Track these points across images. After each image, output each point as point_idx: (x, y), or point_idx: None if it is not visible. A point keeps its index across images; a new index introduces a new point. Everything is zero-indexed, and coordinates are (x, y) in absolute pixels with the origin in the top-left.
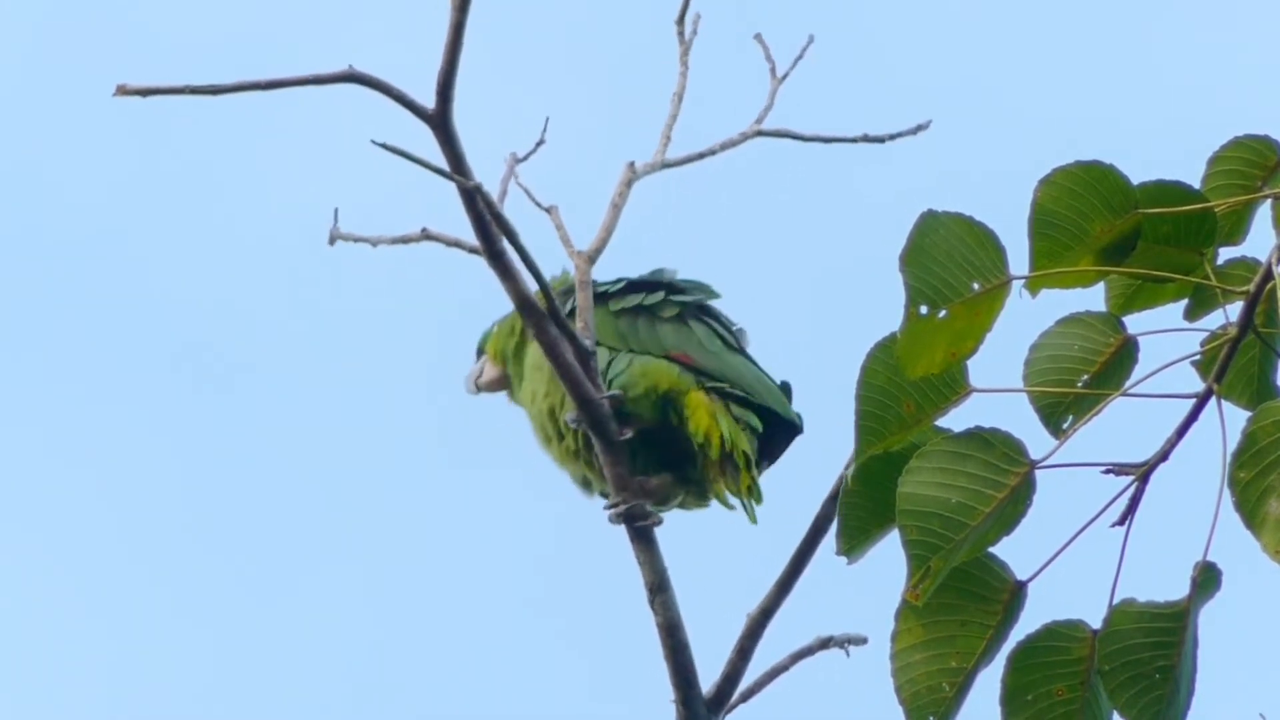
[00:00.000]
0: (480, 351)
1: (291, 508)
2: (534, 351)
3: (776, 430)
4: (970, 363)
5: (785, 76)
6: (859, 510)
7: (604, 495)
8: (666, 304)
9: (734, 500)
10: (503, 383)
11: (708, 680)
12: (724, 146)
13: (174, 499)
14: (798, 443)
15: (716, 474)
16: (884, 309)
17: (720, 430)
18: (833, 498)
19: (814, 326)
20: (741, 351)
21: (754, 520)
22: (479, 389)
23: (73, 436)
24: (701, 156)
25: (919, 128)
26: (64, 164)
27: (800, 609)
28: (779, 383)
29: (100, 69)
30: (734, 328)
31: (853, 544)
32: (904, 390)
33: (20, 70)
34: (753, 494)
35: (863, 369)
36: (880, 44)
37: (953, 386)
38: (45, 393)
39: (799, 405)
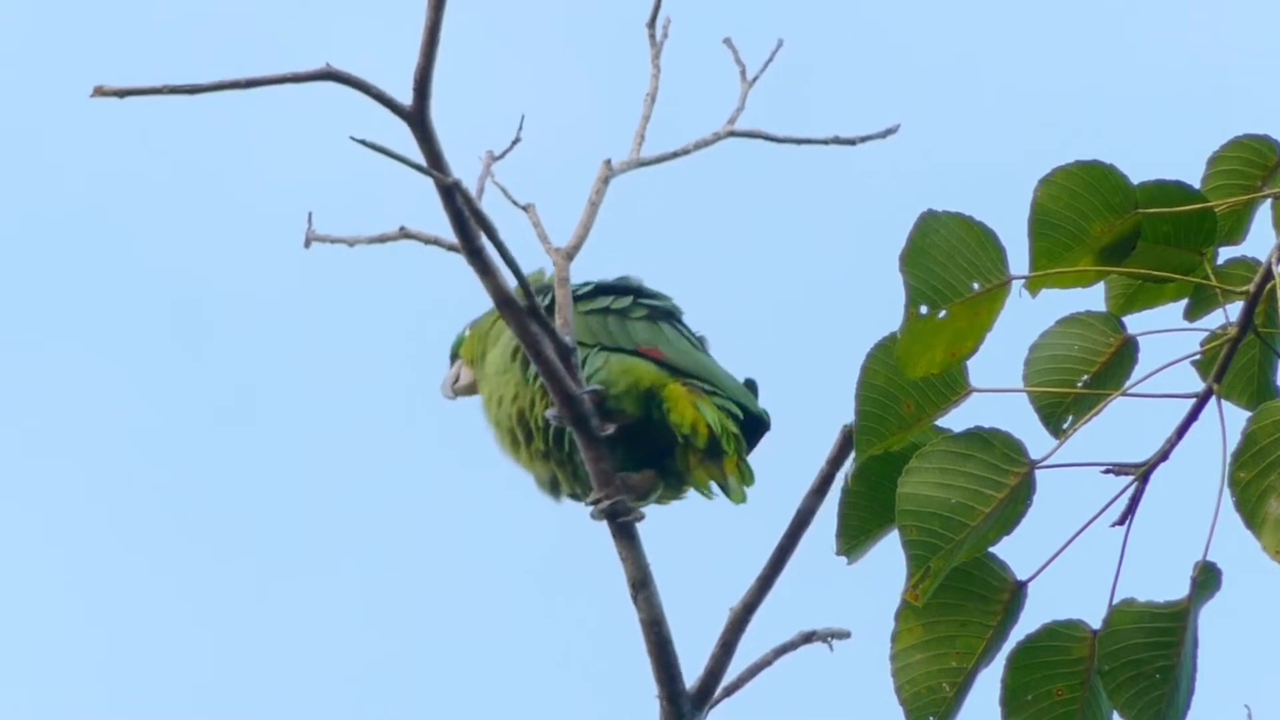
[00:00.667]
0: (454, 356)
1: (275, 506)
2: (496, 356)
3: (745, 427)
4: (970, 363)
5: (756, 79)
6: (859, 510)
7: (573, 496)
8: (636, 306)
9: (715, 488)
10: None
11: (691, 675)
12: (698, 146)
13: (160, 498)
14: (774, 438)
15: (697, 462)
16: (860, 304)
17: (705, 419)
18: (814, 492)
19: (786, 322)
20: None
21: (743, 500)
22: (456, 394)
23: (60, 436)
24: (676, 156)
25: (888, 131)
26: (44, 155)
27: (783, 604)
28: (744, 380)
29: (83, 64)
30: (696, 335)
31: (852, 544)
32: (904, 390)
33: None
34: (744, 476)
35: (863, 369)
36: (864, 46)
37: (953, 386)
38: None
39: (771, 401)
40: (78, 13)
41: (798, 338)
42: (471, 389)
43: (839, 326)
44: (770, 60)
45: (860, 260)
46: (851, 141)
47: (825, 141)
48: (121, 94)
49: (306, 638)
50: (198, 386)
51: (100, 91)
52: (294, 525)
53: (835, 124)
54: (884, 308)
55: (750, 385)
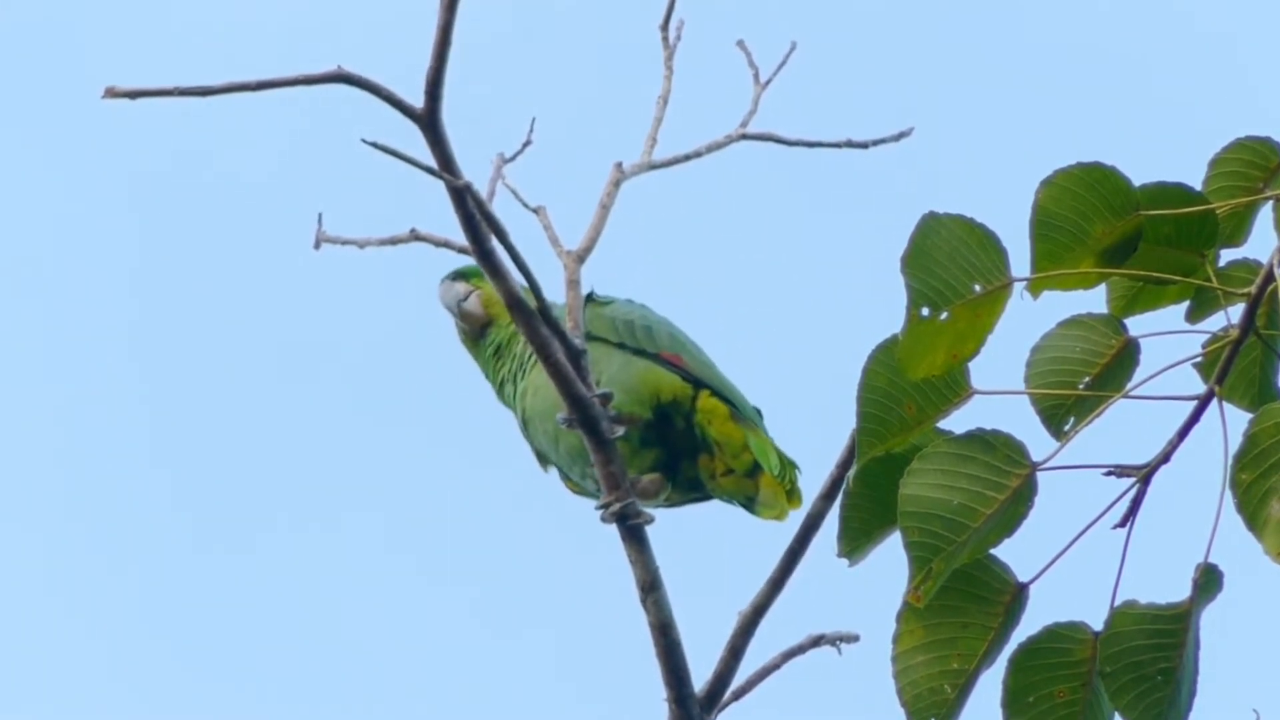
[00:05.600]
0: (463, 277)
1: (279, 510)
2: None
3: None
4: (972, 364)
5: (768, 82)
6: (860, 512)
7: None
8: (654, 314)
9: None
10: (480, 322)
11: (700, 679)
12: (709, 149)
13: (162, 496)
14: (781, 441)
15: (723, 473)
16: (871, 306)
17: (755, 450)
18: (824, 496)
19: (798, 325)
20: None
21: (780, 518)
22: (462, 313)
23: (66, 435)
24: (688, 158)
25: (901, 135)
26: (52, 156)
27: (792, 607)
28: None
29: (87, 67)
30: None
31: (854, 546)
32: (905, 392)
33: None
34: (794, 498)
35: (864, 371)
36: (878, 50)
37: (954, 388)
38: None
39: (780, 404)
40: (86, 13)
41: (810, 341)
42: (474, 319)
43: (852, 329)
44: (783, 63)
45: (872, 263)
46: (864, 145)
47: (838, 145)
48: (133, 95)
49: (314, 639)
50: (204, 389)
51: (111, 93)
52: (300, 524)
53: (848, 127)
54: (891, 310)
55: (757, 413)
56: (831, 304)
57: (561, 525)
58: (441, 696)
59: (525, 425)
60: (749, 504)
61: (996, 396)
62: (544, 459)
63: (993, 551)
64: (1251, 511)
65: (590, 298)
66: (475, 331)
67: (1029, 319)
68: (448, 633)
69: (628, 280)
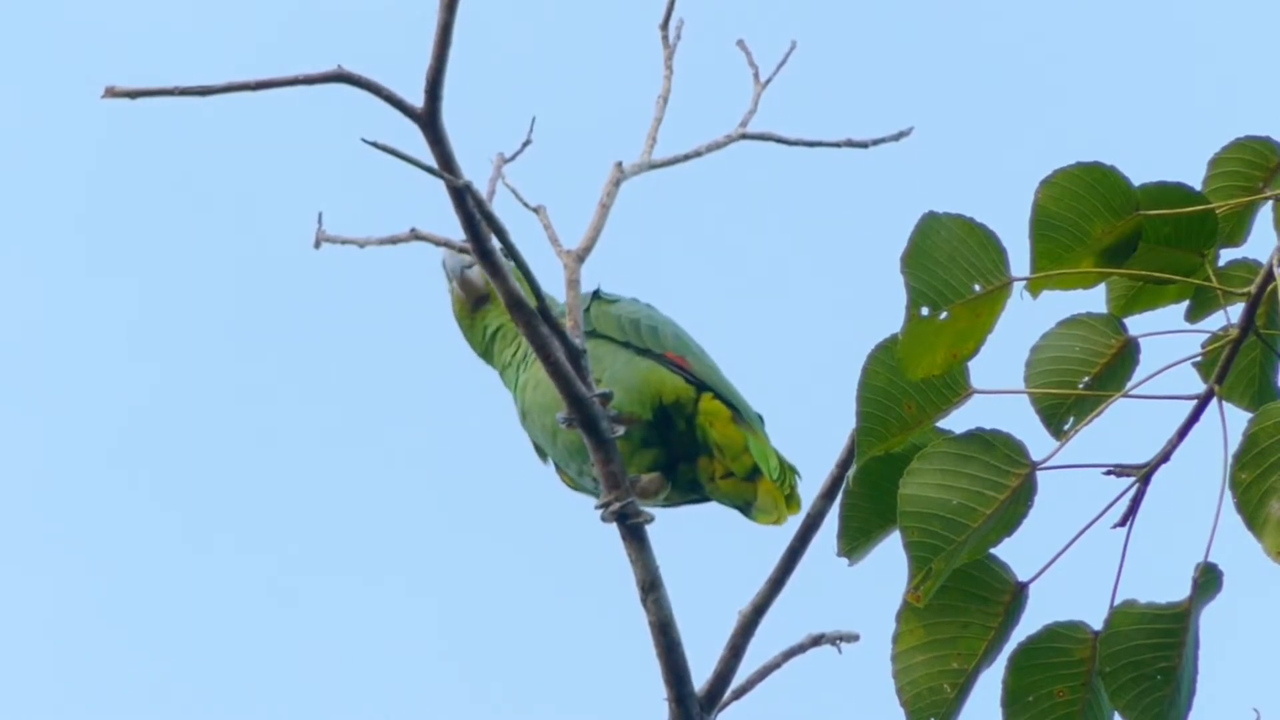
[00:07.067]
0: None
1: (283, 512)
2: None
3: None
4: (971, 364)
5: (769, 81)
6: (860, 511)
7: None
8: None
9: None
10: (478, 293)
11: (700, 678)
12: (709, 148)
13: (166, 494)
14: (781, 440)
15: (722, 475)
16: (871, 306)
17: (754, 452)
18: (824, 495)
19: (797, 324)
20: None
21: (778, 522)
22: (462, 279)
23: (78, 431)
24: (687, 158)
25: (901, 134)
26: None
27: (792, 606)
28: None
29: (84, 68)
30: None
31: (854, 545)
32: (905, 392)
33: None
34: (792, 503)
35: (864, 370)
36: (878, 49)
37: (954, 388)
38: None
39: (780, 404)
40: (87, 13)
41: (810, 340)
42: (471, 291)
43: (852, 329)
44: (783, 63)
45: (872, 263)
46: (864, 144)
47: (838, 144)
48: (133, 95)
49: (315, 636)
50: (202, 388)
51: (111, 92)
52: (303, 528)
53: (848, 127)
54: (891, 310)
55: (759, 419)
56: (831, 304)
57: (561, 524)
58: (441, 695)
59: (524, 417)
60: (746, 509)
61: (996, 396)
62: (543, 452)
63: (993, 551)
64: (1251, 511)
65: (597, 295)
66: (471, 302)
67: (1029, 319)
68: (448, 631)
69: (627, 280)
